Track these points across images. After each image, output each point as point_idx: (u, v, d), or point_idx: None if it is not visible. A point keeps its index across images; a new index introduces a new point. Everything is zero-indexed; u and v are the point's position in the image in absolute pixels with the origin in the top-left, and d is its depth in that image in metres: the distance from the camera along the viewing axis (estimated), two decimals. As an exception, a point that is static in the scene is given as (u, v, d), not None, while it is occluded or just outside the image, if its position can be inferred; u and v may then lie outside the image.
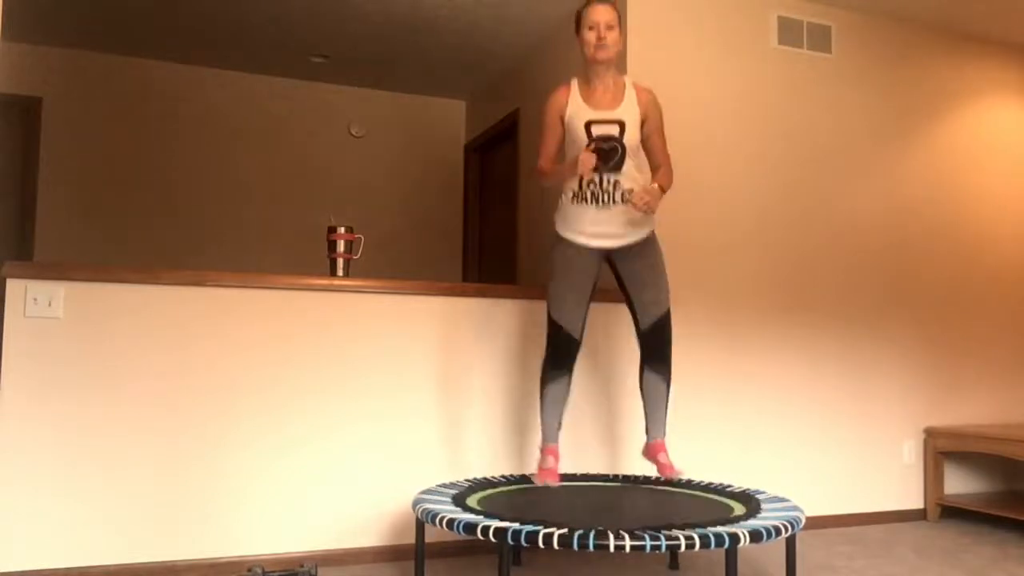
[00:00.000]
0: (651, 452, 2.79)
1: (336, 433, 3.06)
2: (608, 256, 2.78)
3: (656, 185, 2.72)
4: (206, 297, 2.92)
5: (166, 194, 4.86)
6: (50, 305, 2.71)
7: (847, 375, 3.91)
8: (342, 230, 3.23)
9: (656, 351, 2.75)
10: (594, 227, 2.71)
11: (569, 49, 4.13)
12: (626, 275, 2.77)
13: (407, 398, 3.17)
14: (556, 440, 2.77)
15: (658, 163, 2.82)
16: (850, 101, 4.03)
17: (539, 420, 2.83)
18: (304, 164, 5.20)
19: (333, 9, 4.14)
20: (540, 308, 3.34)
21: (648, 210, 2.64)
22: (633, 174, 2.73)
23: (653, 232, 2.79)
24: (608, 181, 2.68)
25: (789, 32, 3.90)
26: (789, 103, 3.90)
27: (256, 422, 2.95)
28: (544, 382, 2.77)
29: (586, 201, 2.70)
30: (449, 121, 5.61)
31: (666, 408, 2.80)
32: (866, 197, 4.03)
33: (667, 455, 2.73)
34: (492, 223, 5.28)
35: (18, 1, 4.05)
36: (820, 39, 3.96)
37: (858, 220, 4.00)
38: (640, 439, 3.42)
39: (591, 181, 2.69)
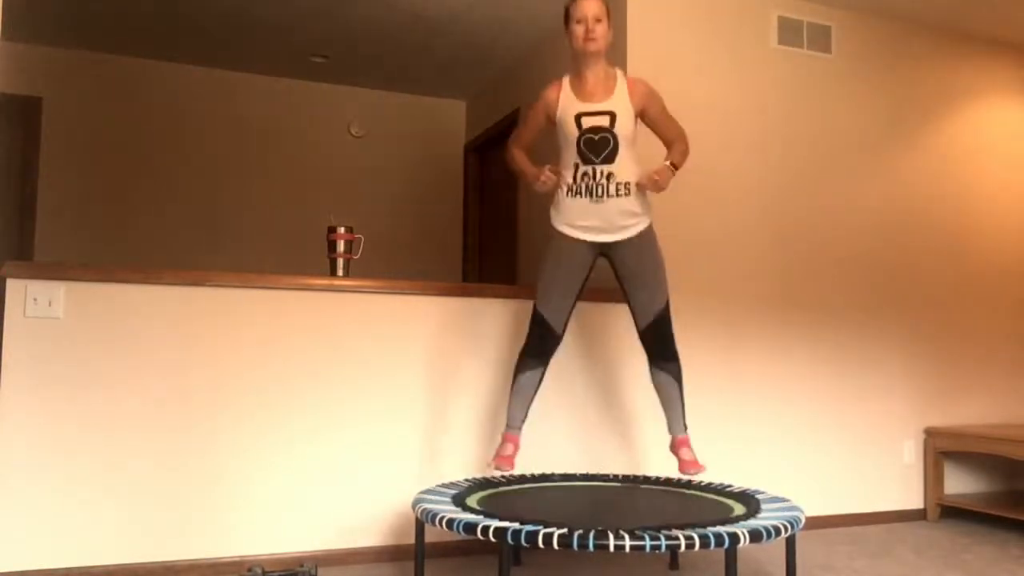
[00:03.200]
0: (673, 448, 2.78)
1: (336, 432, 3.06)
2: (604, 251, 2.75)
3: (668, 163, 2.69)
4: (206, 297, 2.92)
5: (166, 194, 4.86)
6: (50, 305, 2.71)
7: (847, 375, 3.91)
8: (342, 230, 3.23)
9: (658, 350, 2.72)
10: (588, 220, 2.68)
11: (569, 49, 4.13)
12: (622, 273, 2.74)
13: (408, 398, 3.17)
14: (519, 428, 2.74)
15: (671, 139, 2.79)
16: (850, 101, 4.03)
17: (508, 407, 2.78)
18: (304, 164, 5.20)
19: (333, 9, 4.14)
20: (540, 308, 3.34)
21: (658, 188, 2.63)
22: (629, 166, 2.70)
23: (650, 226, 2.75)
24: (602, 174, 2.66)
25: (789, 32, 3.89)
26: (789, 103, 3.89)
27: (256, 422, 2.95)
28: (518, 370, 2.74)
29: (580, 194, 2.68)
30: (449, 121, 5.61)
31: (682, 403, 2.75)
32: (866, 196, 4.03)
33: (690, 451, 2.69)
34: (492, 223, 5.27)
35: (18, 1, 4.05)
36: (820, 39, 3.96)
37: (858, 219, 4.00)
38: (640, 438, 3.43)
39: (585, 174, 2.67)
